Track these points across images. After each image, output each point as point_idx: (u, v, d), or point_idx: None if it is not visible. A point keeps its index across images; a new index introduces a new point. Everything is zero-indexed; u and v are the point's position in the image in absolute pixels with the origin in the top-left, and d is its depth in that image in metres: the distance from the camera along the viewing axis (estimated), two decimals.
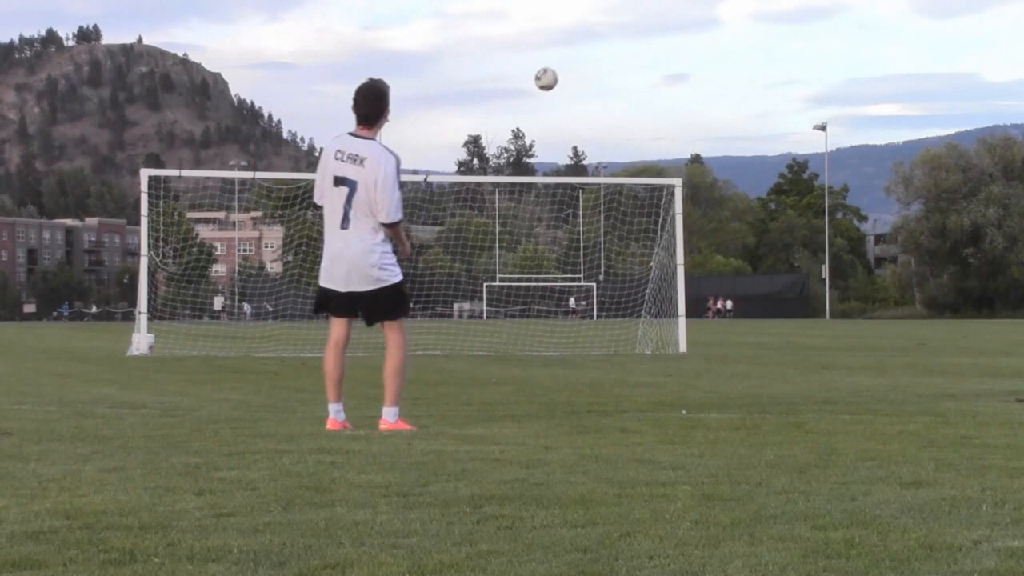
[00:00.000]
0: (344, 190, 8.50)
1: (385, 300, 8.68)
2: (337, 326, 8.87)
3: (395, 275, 8.66)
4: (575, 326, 41.39)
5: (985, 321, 74.95)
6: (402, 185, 8.66)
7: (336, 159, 8.57)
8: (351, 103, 8.68)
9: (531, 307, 63.94)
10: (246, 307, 70.66)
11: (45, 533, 4.66)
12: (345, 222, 8.54)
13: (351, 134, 8.69)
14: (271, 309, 58.95)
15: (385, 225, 8.53)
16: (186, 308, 42.03)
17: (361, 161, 8.47)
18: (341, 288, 8.65)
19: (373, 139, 8.62)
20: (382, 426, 8.59)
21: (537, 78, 11.76)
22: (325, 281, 8.75)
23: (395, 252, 8.80)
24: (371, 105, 8.61)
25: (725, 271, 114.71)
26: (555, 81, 11.62)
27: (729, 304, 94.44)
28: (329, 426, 8.67)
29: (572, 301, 74.34)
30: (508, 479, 6.00)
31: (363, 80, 8.81)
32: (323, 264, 8.76)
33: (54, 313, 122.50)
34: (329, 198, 8.60)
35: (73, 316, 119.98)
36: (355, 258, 8.57)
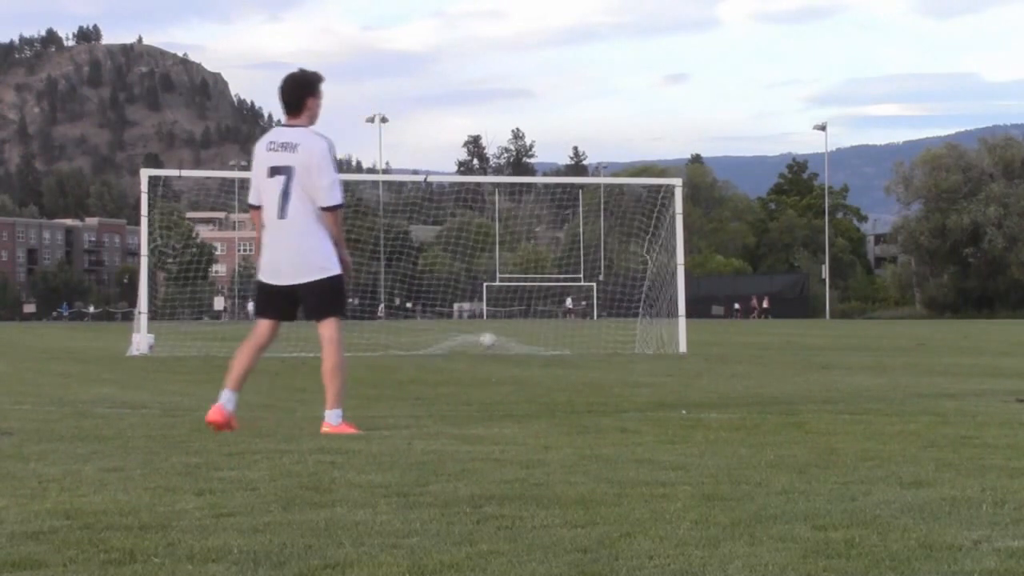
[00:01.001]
0: (280, 179, 8.37)
1: (323, 294, 8.43)
2: (262, 327, 8.67)
3: (335, 267, 8.44)
4: (574, 326, 41.38)
5: (985, 321, 74.95)
6: (338, 168, 8.53)
7: (269, 150, 8.47)
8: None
9: (531, 307, 63.95)
10: (250, 306, 70.72)
11: (45, 533, 4.66)
12: (283, 211, 8.37)
13: (281, 126, 8.65)
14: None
15: (325, 209, 8.35)
16: (186, 308, 42.02)
17: (294, 147, 8.37)
18: (279, 281, 8.48)
19: (302, 127, 8.52)
20: (324, 429, 8.31)
21: None
22: (263, 276, 8.59)
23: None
24: (291, 94, 8.56)
25: (725, 271, 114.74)
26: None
27: (766, 303, 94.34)
28: (211, 416, 8.40)
29: (569, 301, 74.36)
30: (508, 479, 6.00)
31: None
32: (261, 260, 8.59)
33: (54, 313, 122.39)
34: (266, 192, 8.45)
35: (73, 316, 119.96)
36: (294, 246, 8.39)
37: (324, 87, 8.68)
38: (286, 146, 8.41)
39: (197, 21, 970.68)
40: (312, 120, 8.59)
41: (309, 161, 8.33)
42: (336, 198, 8.38)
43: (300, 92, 8.57)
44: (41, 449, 7.38)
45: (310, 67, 8.93)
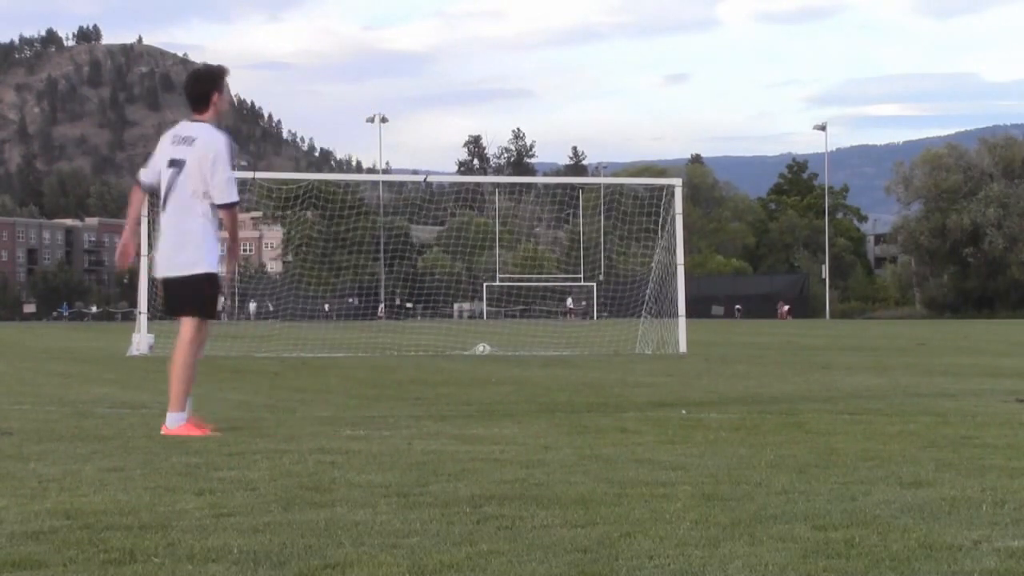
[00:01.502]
0: (172, 171, 8.37)
1: (185, 291, 8.33)
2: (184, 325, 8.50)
3: (206, 265, 8.32)
4: (574, 326, 41.37)
5: (985, 321, 74.94)
6: (234, 167, 8.52)
7: (172, 143, 8.49)
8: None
9: (531, 307, 63.93)
10: (251, 306, 70.76)
11: (45, 533, 4.66)
12: (164, 204, 8.39)
13: (187, 121, 8.64)
14: (271, 308, 59.05)
15: (220, 207, 8.30)
16: None
17: (191, 142, 8.38)
18: (156, 273, 8.50)
19: (205, 122, 8.51)
20: (163, 431, 8.16)
21: None
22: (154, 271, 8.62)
23: (227, 251, 8.60)
24: (192, 88, 8.61)
25: (725, 271, 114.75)
26: None
27: (787, 309, 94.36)
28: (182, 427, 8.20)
29: (570, 301, 74.35)
30: (508, 479, 6.00)
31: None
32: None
33: (54, 313, 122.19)
34: (162, 183, 8.45)
35: (73, 316, 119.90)
36: (169, 240, 8.38)
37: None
38: (186, 140, 8.42)
39: (198, 21, 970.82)
40: (217, 116, 8.56)
41: (205, 156, 8.30)
42: (231, 195, 8.33)
43: (204, 87, 8.59)
44: (41, 449, 7.38)
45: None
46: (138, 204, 8.87)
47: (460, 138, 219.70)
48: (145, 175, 8.60)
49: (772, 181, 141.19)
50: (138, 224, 8.72)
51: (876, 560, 4.12)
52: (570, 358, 22.42)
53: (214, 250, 8.39)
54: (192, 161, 8.30)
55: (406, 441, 7.75)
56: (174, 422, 8.20)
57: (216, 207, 8.32)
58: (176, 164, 8.34)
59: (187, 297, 8.37)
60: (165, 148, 8.48)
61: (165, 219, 8.38)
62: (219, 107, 8.56)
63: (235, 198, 8.35)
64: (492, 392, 12.85)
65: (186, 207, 8.29)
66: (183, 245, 8.31)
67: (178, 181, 8.31)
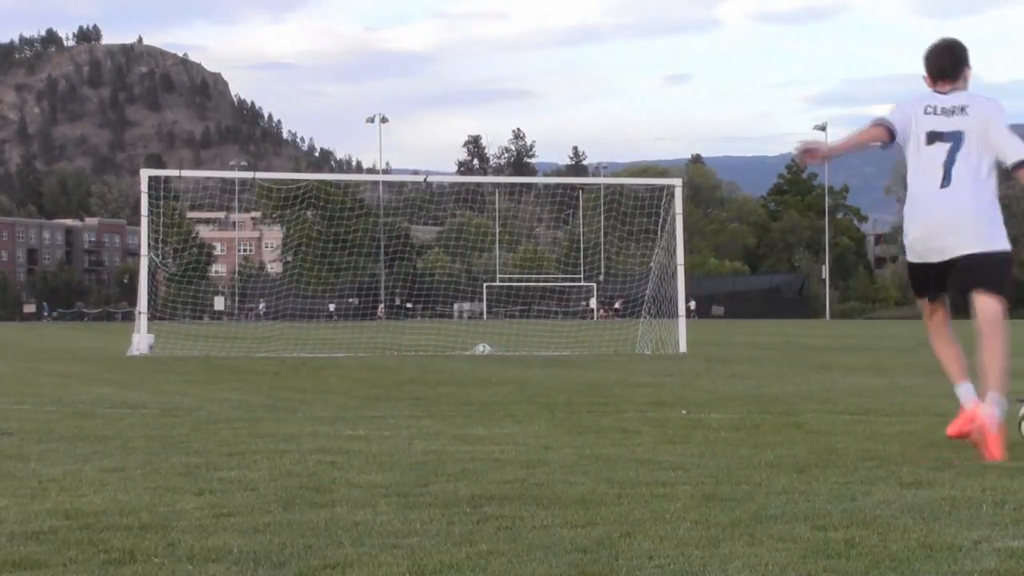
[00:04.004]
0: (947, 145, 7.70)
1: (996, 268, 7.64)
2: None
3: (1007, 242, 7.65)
4: (576, 326, 41.37)
5: None
6: None
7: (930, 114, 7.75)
8: None
9: (531, 307, 63.93)
10: (261, 305, 70.73)
11: (45, 533, 4.66)
12: (947, 178, 7.62)
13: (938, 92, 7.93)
14: (271, 309, 59.16)
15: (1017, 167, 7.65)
16: (186, 308, 42.02)
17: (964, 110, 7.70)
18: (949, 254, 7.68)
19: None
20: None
21: None
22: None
23: None
24: (951, 57, 7.80)
25: (723, 272, 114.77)
26: None
27: None
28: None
29: (592, 302, 74.22)
30: (508, 479, 6.00)
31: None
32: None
33: (44, 315, 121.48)
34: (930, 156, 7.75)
35: (71, 317, 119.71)
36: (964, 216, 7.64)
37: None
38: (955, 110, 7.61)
39: (200, 22, 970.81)
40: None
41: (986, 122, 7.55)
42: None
43: (963, 56, 7.79)
44: (41, 449, 7.38)
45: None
46: (869, 140, 7.89)
47: (460, 138, 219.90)
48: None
49: (772, 181, 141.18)
50: (855, 146, 8.02)
51: (876, 560, 4.12)
52: (570, 358, 22.42)
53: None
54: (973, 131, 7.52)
55: (406, 441, 7.76)
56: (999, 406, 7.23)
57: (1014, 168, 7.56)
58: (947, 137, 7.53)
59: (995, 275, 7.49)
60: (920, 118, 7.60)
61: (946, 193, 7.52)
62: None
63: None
64: (492, 392, 12.85)
65: (975, 178, 7.55)
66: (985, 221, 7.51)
67: (959, 155, 7.54)
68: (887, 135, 7.65)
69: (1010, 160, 7.52)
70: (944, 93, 7.63)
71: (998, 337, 7.38)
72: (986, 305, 7.42)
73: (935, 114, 7.55)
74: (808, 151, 7.76)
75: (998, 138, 7.52)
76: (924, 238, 7.53)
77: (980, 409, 7.21)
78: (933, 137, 7.53)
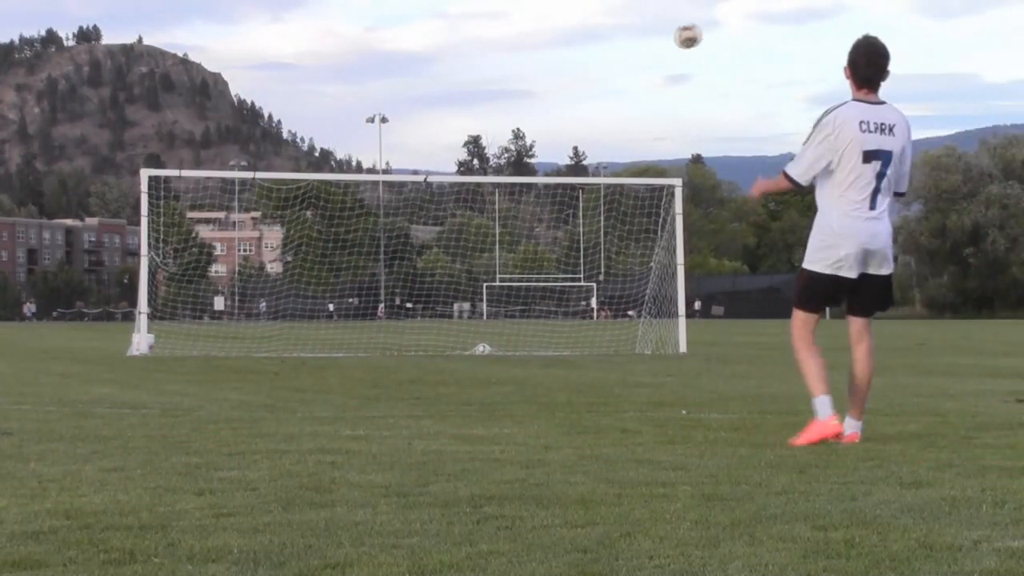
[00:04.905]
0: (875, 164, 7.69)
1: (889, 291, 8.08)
2: None
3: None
4: (577, 326, 41.37)
5: (985, 321, 74.95)
6: None
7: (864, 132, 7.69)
8: None
9: (531, 307, 63.92)
10: (262, 305, 70.75)
11: (45, 533, 4.66)
12: (873, 202, 7.68)
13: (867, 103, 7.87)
14: (271, 309, 59.16)
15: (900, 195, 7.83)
16: (186, 308, 42.02)
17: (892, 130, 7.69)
18: (870, 270, 7.89)
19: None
20: (851, 439, 7.66)
21: (686, 29, 10.95)
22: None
23: None
24: (882, 63, 7.74)
25: (723, 272, 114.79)
26: (695, 39, 11.00)
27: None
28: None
29: (594, 302, 74.17)
30: (508, 479, 6.00)
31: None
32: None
33: (28, 316, 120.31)
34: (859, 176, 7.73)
35: (71, 317, 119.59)
36: (882, 236, 7.83)
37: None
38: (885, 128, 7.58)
39: (200, 23, 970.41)
40: None
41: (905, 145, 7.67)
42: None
43: (887, 63, 7.75)
44: (41, 449, 7.38)
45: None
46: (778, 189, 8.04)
47: (460, 138, 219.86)
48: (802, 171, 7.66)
49: None
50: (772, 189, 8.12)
51: (876, 560, 4.12)
52: (570, 358, 22.42)
53: None
54: (897, 151, 7.55)
55: (406, 441, 7.75)
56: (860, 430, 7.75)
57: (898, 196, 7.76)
58: (878, 156, 7.50)
59: (890, 295, 8.06)
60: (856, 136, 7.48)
61: (873, 215, 7.57)
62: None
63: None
64: (492, 392, 12.85)
65: (889, 201, 7.67)
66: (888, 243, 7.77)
67: (887, 174, 7.53)
68: (795, 188, 7.84)
69: (900, 188, 7.74)
70: (872, 103, 7.62)
71: (872, 363, 8.19)
72: (868, 327, 8.21)
73: (870, 131, 7.53)
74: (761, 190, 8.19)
75: (905, 165, 7.69)
76: (854, 255, 7.64)
77: (842, 426, 7.68)
78: (869, 156, 7.52)
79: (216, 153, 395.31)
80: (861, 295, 7.95)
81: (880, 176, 7.53)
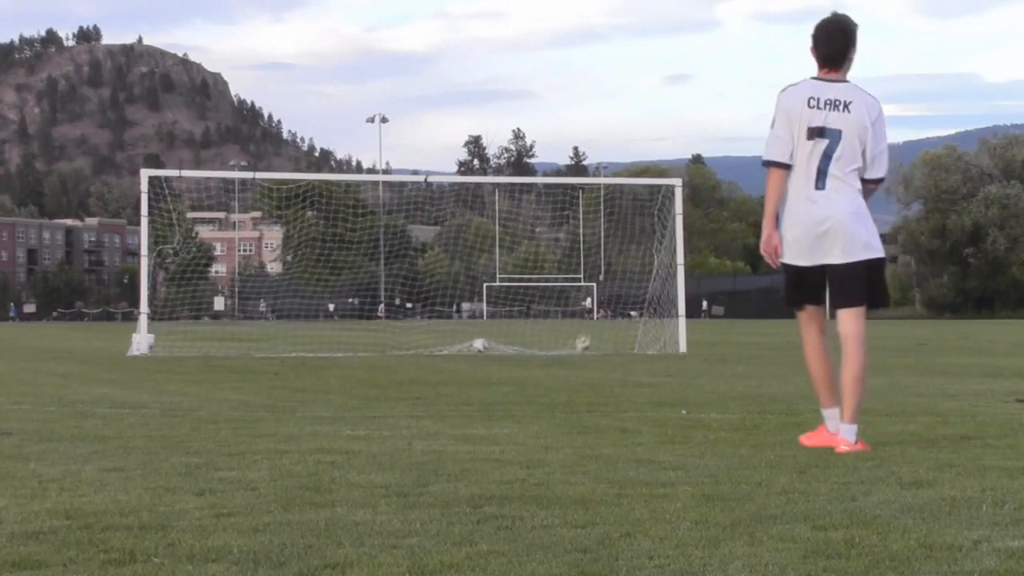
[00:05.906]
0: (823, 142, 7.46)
1: (869, 277, 7.45)
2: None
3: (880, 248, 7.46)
4: (577, 326, 41.37)
5: (985, 321, 74.94)
6: None
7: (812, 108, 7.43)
8: None
9: (531, 307, 63.93)
10: (263, 305, 70.79)
11: (45, 533, 4.66)
12: (820, 179, 7.37)
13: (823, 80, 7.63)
14: (271, 309, 59.20)
15: (872, 181, 7.46)
16: (186, 308, 42.02)
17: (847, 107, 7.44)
18: (818, 260, 7.49)
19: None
20: (842, 448, 7.16)
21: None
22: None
23: None
24: (842, 41, 7.44)
25: (723, 272, 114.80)
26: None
27: None
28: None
29: (588, 302, 74.26)
30: (508, 479, 6.00)
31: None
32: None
33: (11, 315, 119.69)
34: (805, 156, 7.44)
35: (71, 317, 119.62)
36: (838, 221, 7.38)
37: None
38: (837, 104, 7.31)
39: (200, 23, 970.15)
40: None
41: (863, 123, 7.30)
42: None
43: (852, 41, 7.42)
44: (41, 449, 7.38)
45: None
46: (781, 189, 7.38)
47: (460, 138, 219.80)
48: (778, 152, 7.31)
49: None
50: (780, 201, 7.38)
51: (876, 560, 4.12)
52: (570, 358, 22.42)
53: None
54: (852, 130, 7.22)
55: (406, 441, 7.75)
56: (853, 435, 7.17)
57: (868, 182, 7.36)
58: (823, 134, 7.21)
59: (865, 284, 7.34)
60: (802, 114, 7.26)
61: (818, 195, 7.23)
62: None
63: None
64: (492, 392, 12.85)
65: (848, 183, 7.26)
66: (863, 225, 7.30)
67: (835, 154, 7.21)
68: (787, 170, 7.30)
69: (873, 174, 7.32)
70: (830, 82, 7.32)
71: (859, 359, 7.25)
72: (850, 322, 7.34)
73: (818, 108, 7.24)
74: (775, 247, 7.41)
75: (874, 147, 7.27)
76: (801, 238, 7.28)
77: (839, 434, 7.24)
78: (812, 133, 7.23)
79: (216, 153, 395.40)
80: (832, 286, 7.41)
81: (827, 156, 7.19)
